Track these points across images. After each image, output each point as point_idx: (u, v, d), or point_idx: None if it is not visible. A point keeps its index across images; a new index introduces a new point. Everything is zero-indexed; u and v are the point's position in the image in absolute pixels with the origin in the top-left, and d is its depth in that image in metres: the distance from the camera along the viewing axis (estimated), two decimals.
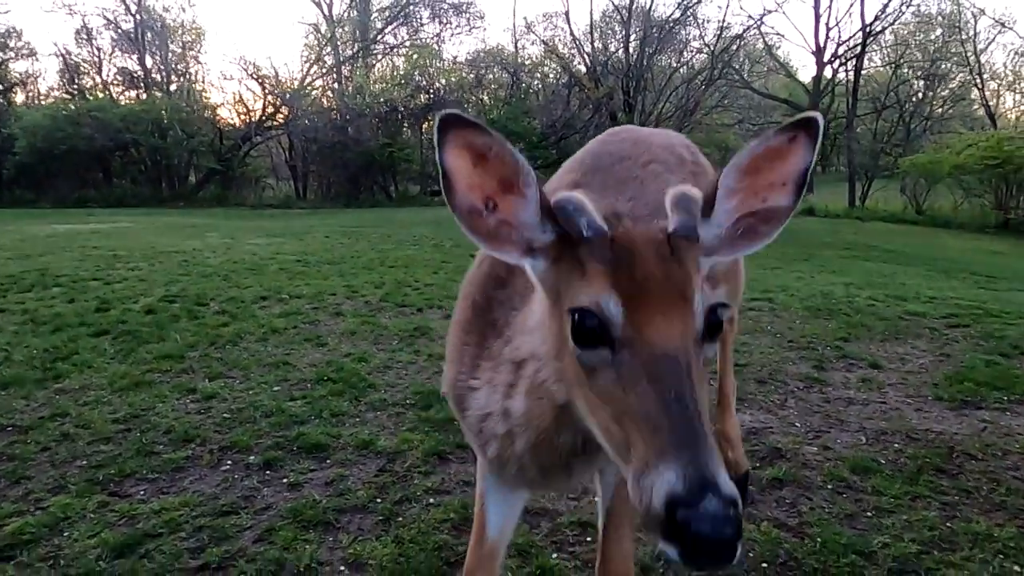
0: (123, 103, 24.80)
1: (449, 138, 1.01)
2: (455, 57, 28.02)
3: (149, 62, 25.89)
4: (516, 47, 29.01)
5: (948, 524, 2.53)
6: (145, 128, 22.93)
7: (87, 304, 6.03)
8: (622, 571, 1.61)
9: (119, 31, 25.49)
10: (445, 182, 1.04)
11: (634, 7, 26.92)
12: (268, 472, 2.97)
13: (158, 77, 26.09)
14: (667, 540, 0.82)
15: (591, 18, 28.18)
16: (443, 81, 25.49)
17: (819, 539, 2.42)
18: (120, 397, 3.80)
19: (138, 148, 23.40)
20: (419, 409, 3.66)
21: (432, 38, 28.58)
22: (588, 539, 2.46)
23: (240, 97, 25.82)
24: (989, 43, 26.61)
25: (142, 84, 25.71)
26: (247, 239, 11.76)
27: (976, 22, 25.63)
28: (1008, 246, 17.32)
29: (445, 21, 29.01)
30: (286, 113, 24.88)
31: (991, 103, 27.10)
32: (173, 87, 26.01)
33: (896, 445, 3.25)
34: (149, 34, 25.46)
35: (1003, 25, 25.23)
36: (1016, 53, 26.57)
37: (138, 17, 25.13)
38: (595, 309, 0.97)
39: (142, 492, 2.79)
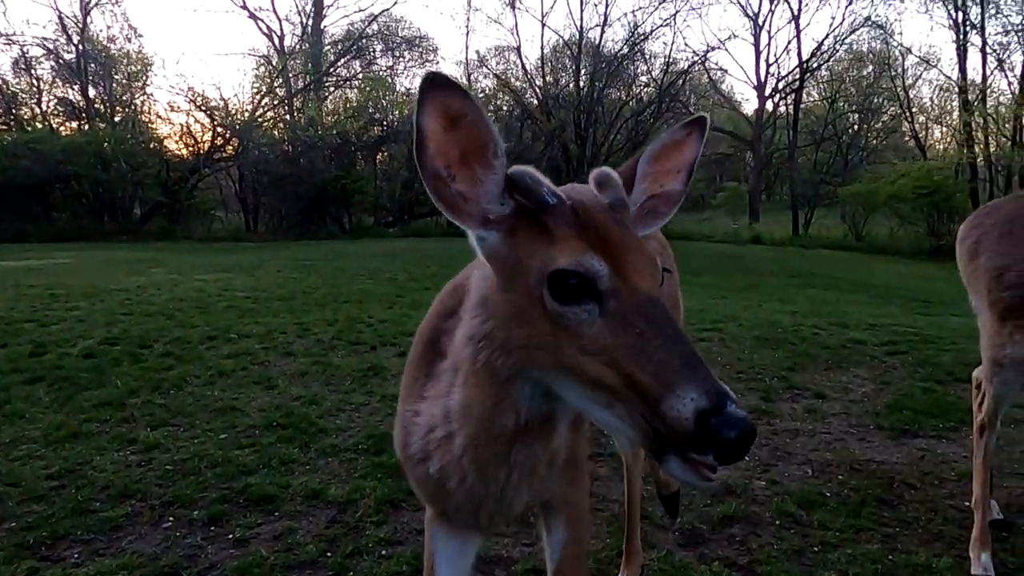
0: (64, 134, 24.06)
1: (430, 98, 1.04)
2: (409, 89, 28.17)
3: (92, 93, 25.25)
4: (469, 80, 29.37)
5: (890, 557, 2.61)
6: (87, 160, 22.23)
7: (20, 348, 5.75)
8: None
9: (60, 61, 24.84)
10: (418, 144, 1.07)
11: (584, 43, 27.65)
12: (213, 528, 2.86)
13: (101, 108, 25.43)
14: (701, 451, 0.92)
15: (542, 52, 28.71)
16: (397, 113, 25.56)
17: None
18: (54, 451, 3.62)
19: (79, 181, 22.64)
20: (372, 454, 3.60)
21: (385, 71, 28.74)
22: None
23: (188, 128, 25.14)
24: (916, 79, 28.13)
25: (84, 115, 25.02)
26: (195, 274, 11.45)
27: (904, 60, 27.15)
28: (942, 271, 18.15)
29: (398, 55, 29.24)
30: (236, 144, 24.51)
31: (920, 135, 28.59)
32: (118, 118, 25.38)
33: (840, 476, 3.35)
34: (92, 64, 24.86)
35: (927, 63, 26.75)
36: (941, 89, 28.16)
37: (80, 47, 24.54)
38: (578, 268, 1.03)
39: (76, 555, 2.65)
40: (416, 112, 1.06)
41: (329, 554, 2.66)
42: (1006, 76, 22.42)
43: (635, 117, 27.40)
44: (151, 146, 24.56)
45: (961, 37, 22.30)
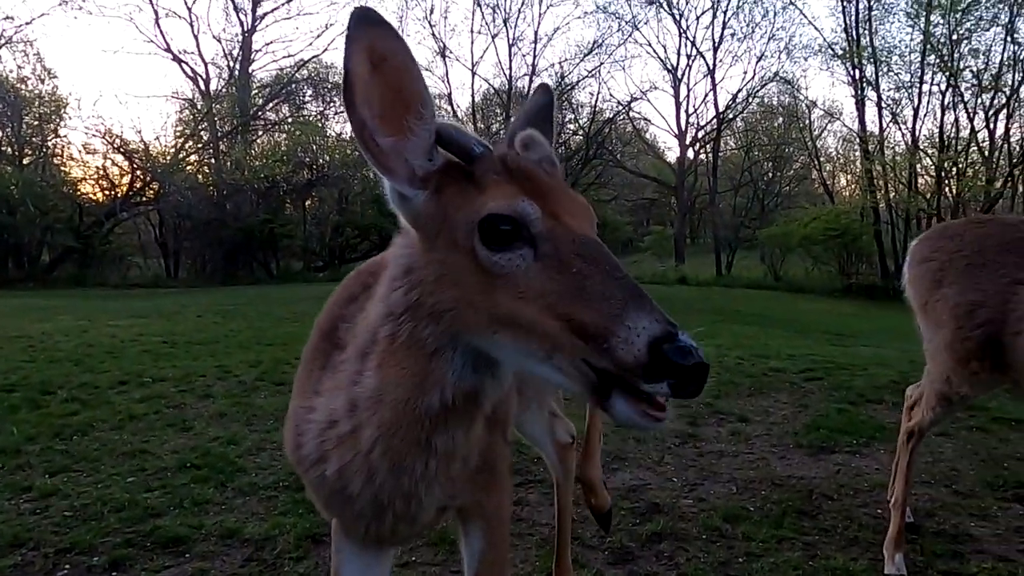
0: None
1: (358, 36, 1.00)
2: (340, 133, 28.09)
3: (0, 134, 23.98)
4: None
5: (810, 563, 2.68)
6: None
7: None
8: None
9: None
10: (345, 87, 1.03)
11: (513, 91, 28.46)
12: (115, 573, 2.65)
13: (9, 150, 24.14)
14: (655, 380, 0.88)
15: (473, 100, 29.34)
16: (327, 157, 25.38)
17: None
18: None
19: None
20: (293, 491, 3.44)
21: (315, 116, 28.59)
22: None
23: (105, 171, 24.09)
24: (822, 130, 30.26)
25: None
26: (107, 321, 10.83)
27: (810, 112, 29.19)
28: (853, 307, 19.25)
29: (328, 100, 29.20)
30: (157, 188, 23.66)
31: (828, 182, 30.59)
32: (27, 160, 24.11)
33: (763, 492, 3.43)
34: (1, 105, 23.68)
35: (831, 115, 28.85)
36: (844, 139, 30.37)
37: None
38: (509, 212, 1.00)
39: None
40: (344, 52, 1.01)
41: None
42: (900, 128, 24.40)
43: (564, 163, 28.18)
44: (63, 189, 23.38)
45: (859, 92, 24.20)
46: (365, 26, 1.00)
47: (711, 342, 9.29)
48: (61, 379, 6.05)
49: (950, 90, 22.49)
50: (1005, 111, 22.11)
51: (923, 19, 22.50)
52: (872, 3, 23.47)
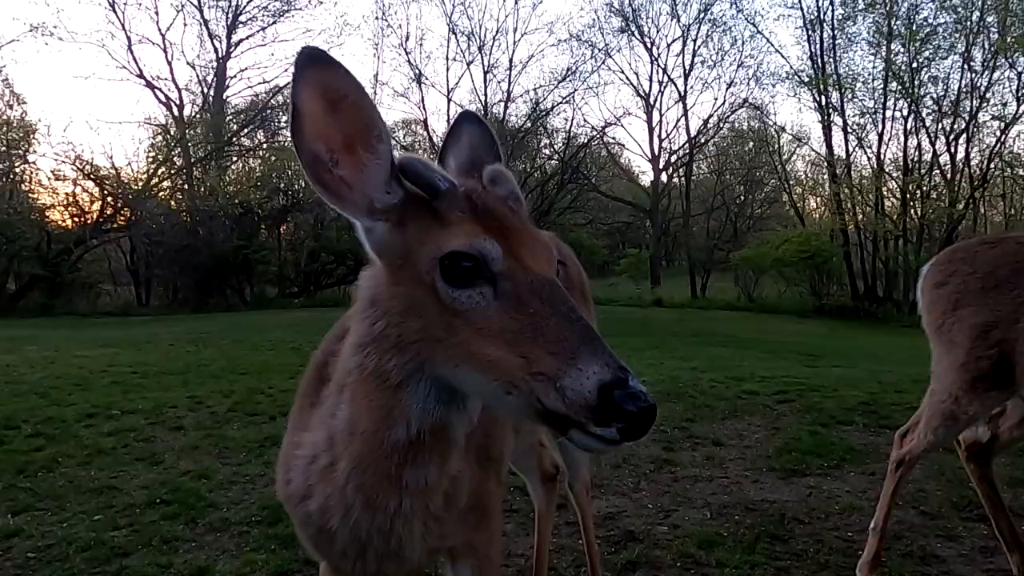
0: None
1: (307, 75, 1.01)
2: None
3: None
4: None
5: None
6: None
7: None
8: None
9: None
10: (294, 123, 1.03)
11: (488, 117, 28.74)
12: None
13: None
14: (604, 424, 0.91)
15: (448, 126, 29.51)
16: (302, 183, 25.31)
17: None
18: None
19: None
20: (266, 526, 3.39)
21: (290, 141, 28.45)
22: None
23: (75, 197, 23.73)
24: (792, 155, 30.98)
25: None
26: (75, 351, 10.59)
27: (779, 137, 29.90)
28: (825, 328, 19.56)
29: None
30: (128, 215, 23.34)
31: (799, 205, 31.24)
32: None
33: (736, 516, 3.46)
34: None
35: (800, 140, 29.59)
36: (812, 164, 31.10)
37: None
38: (470, 250, 1.01)
39: None
40: (292, 89, 1.02)
41: None
42: (866, 152, 25.11)
43: (540, 187, 28.45)
44: (31, 216, 22.96)
45: (825, 118, 24.88)
46: (313, 65, 1.02)
47: (687, 364, 9.38)
48: (26, 413, 5.90)
49: (912, 115, 23.26)
50: (965, 135, 22.89)
51: (884, 48, 23.34)
52: (836, 32, 24.31)
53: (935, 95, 22.87)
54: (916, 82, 22.68)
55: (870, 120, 24.26)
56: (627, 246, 35.72)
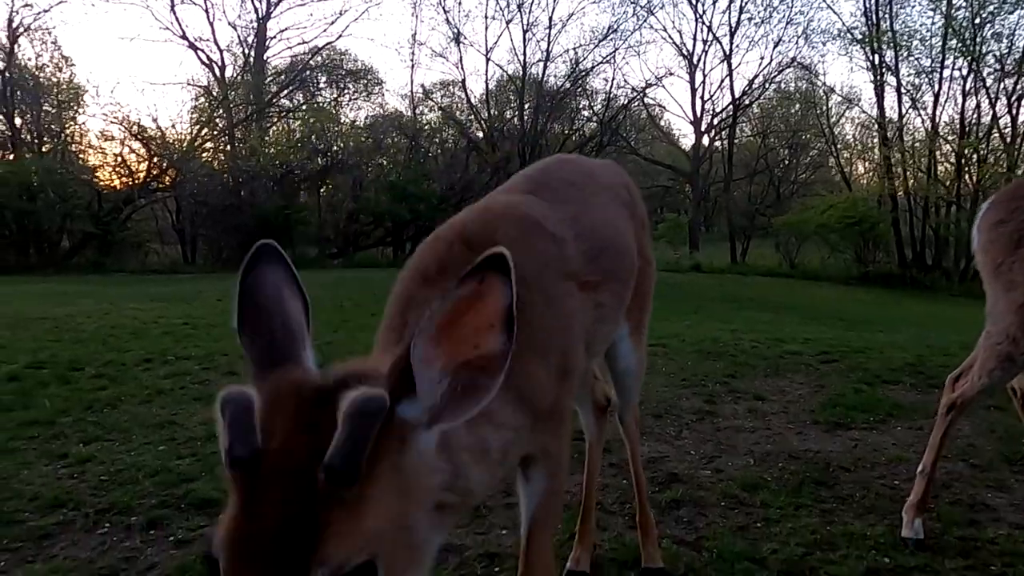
0: None
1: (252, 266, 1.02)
2: (354, 121, 28.13)
3: (19, 122, 24.26)
4: (414, 113, 29.62)
5: (828, 528, 2.73)
6: (11, 191, 21.24)
7: None
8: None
9: None
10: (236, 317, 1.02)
11: (527, 78, 28.35)
12: (152, 531, 2.75)
13: (28, 137, 24.44)
14: None
15: (487, 87, 29.06)
16: (341, 144, 25.48)
17: (715, 551, 2.53)
18: None
19: (2, 211, 21.59)
20: None
21: (329, 102, 28.66)
22: (496, 569, 2.44)
23: (123, 158, 24.35)
24: (840, 117, 29.86)
25: (10, 145, 23.97)
26: (128, 304, 11.00)
27: (828, 99, 28.83)
28: (869, 295, 19.11)
29: (343, 87, 29.26)
30: (173, 175, 23.88)
31: (846, 170, 30.24)
32: (46, 148, 24.41)
33: (780, 464, 3.48)
34: (20, 93, 23.94)
35: (850, 101, 28.46)
36: (862, 126, 29.97)
37: (7, 75, 23.64)
38: (215, 554, 0.85)
39: (1, 564, 2.50)
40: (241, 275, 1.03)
41: None
42: (919, 114, 24.07)
43: (578, 150, 28.09)
44: (82, 176, 23.65)
45: (878, 78, 23.86)
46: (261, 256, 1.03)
47: (726, 327, 9.30)
48: (88, 357, 6.19)
49: (972, 75, 22.14)
50: None
51: (944, 2, 22.14)
52: None
53: (998, 53, 21.70)
54: (978, 39, 21.53)
55: (926, 80, 23.21)
56: (665, 211, 35.22)
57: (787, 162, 33.44)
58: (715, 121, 30.30)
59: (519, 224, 1.63)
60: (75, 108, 25.05)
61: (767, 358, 6.44)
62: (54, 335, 7.55)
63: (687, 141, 32.96)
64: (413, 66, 34.93)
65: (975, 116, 22.71)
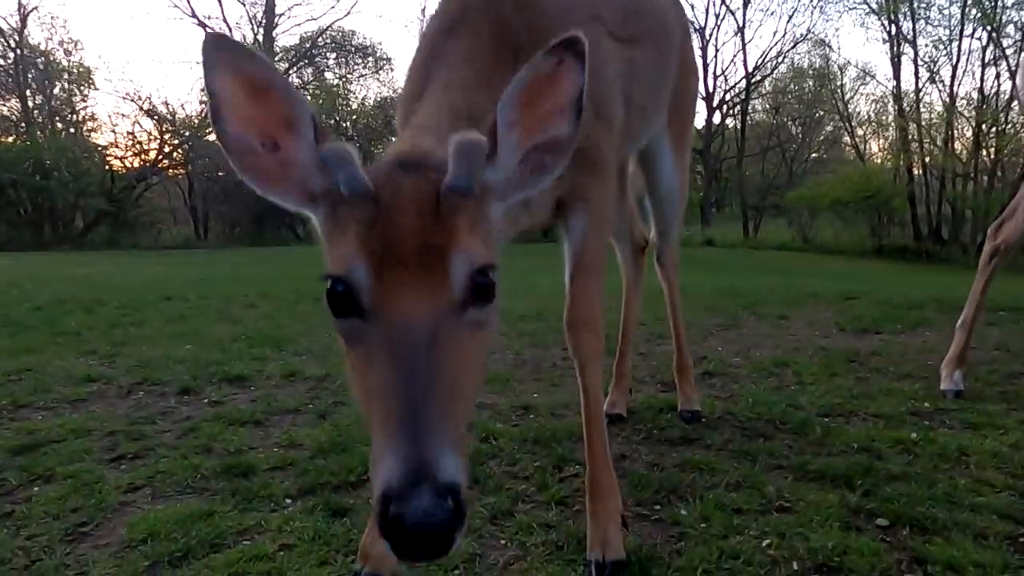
0: (0, 142, 23.16)
1: (218, 60, 0.90)
2: (362, 99, 28.09)
3: (31, 102, 24.43)
4: None
5: (864, 386, 2.70)
6: (25, 169, 21.43)
7: None
8: (586, 313, 1.57)
9: None
10: (213, 112, 0.92)
11: None
12: (187, 396, 2.77)
13: (40, 118, 24.61)
14: (383, 534, 0.74)
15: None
16: (349, 122, 25.48)
17: (751, 399, 2.52)
18: (10, 359, 3.45)
19: (17, 189, 21.77)
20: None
21: (338, 79, 28.65)
22: (531, 416, 2.45)
23: (134, 136, 24.49)
24: (854, 93, 29.49)
25: (23, 124, 24.14)
26: (144, 267, 11.11)
27: (842, 74, 28.49)
28: (884, 267, 18.96)
29: (351, 64, 29.21)
30: (185, 153, 23.99)
31: (860, 147, 29.94)
32: (59, 126, 24.58)
33: (809, 352, 3.45)
34: (32, 72, 24.08)
35: (867, 74, 28.08)
36: (877, 101, 29.61)
37: (18, 52, 23.78)
38: (344, 274, 0.86)
39: (40, 417, 2.53)
40: (205, 77, 0.90)
41: (311, 405, 2.61)
42: (937, 87, 23.75)
43: None
44: (94, 155, 23.81)
45: (895, 49, 23.55)
46: (222, 50, 0.91)
47: (743, 280, 9.25)
48: (110, 296, 6.24)
49: (991, 45, 21.79)
50: None
51: None
52: None
53: (1019, 22, 21.35)
54: (998, 7, 21.18)
55: (944, 52, 22.89)
56: None
57: (800, 139, 33.11)
58: (728, 97, 30.05)
59: None
60: (86, 88, 25.19)
61: (787, 296, 6.39)
62: (76, 284, 7.63)
63: (699, 117, 32.71)
64: None
65: (996, 87, 22.40)
